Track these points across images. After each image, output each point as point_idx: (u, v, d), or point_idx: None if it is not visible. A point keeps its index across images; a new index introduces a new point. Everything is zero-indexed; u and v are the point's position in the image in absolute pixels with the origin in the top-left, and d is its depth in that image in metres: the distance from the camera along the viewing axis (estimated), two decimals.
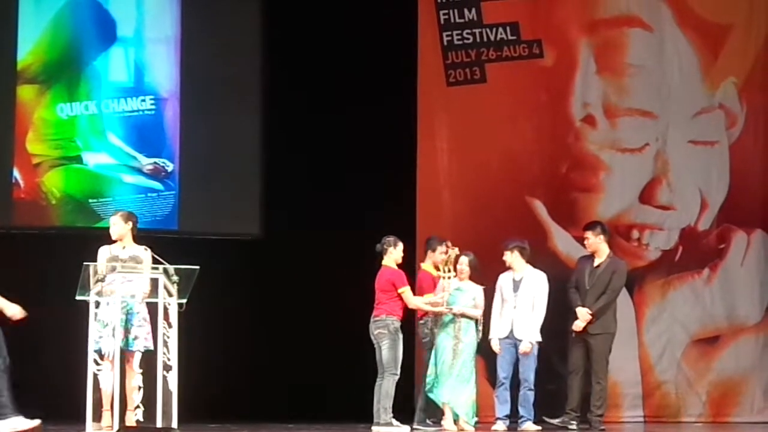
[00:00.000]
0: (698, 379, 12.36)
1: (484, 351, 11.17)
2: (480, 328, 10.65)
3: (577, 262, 11.24)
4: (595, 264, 10.97)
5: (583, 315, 10.80)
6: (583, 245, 11.28)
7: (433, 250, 10.77)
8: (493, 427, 10.68)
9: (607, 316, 10.91)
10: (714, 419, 12.30)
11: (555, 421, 10.81)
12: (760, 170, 12.59)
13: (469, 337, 10.55)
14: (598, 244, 11.00)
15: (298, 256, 11.78)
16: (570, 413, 10.88)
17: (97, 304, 9.11)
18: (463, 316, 10.54)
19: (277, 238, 11.82)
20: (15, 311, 8.55)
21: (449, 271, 10.59)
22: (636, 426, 11.74)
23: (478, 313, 10.58)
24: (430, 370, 10.63)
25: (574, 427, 10.77)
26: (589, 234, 11.05)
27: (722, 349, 12.45)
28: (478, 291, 10.62)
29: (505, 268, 10.87)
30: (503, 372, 10.74)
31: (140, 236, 9.72)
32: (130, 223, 9.50)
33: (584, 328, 10.83)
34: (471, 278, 10.60)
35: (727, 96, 12.58)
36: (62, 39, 11.88)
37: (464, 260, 10.65)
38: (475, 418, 10.60)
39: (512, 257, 10.83)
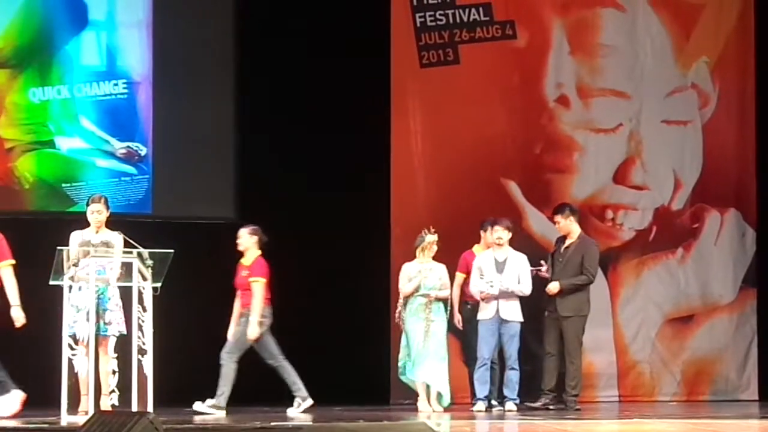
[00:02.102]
0: (672, 358, 12.43)
1: (459, 332, 11.21)
2: (449, 308, 10.73)
3: (555, 243, 11.26)
4: (566, 245, 11.00)
5: (554, 287, 10.80)
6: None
7: (485, 231, 10.89)
8: (474, 408, 10.72)
9: (580, 298, 10.95)
10: (688, 398, 12.38)
11: (537, 404, 10.82)
12: (732, 149, 12.66)
13: (440, 317, 10.64)
14: (569, 226, 11.04)
15: (272, 239, 11.75)
16: (548, 394, 10.91)
17: (71, 289, 9.09)
18: (437, 299, 10.64)
19: (251, 221, 11.77)
20: (19, 316, 8.76)
21: (424, 255, 10.70)
22: (611, 405, 11.79)
23: (447, 293, 10.68)
24: (402, 354, 10.68)
25: (552, 408, 10.80)
26: (558, 218, 11.08)
27: (696, 328, 12.52)
28: (443, 270, 10.73)
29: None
30: (487, 353, 10.78)
31: (114, 221, 9.71)
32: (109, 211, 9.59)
33: (556, 309, 10.84)
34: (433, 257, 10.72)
35: (699, 76, 12.63)
36: (34, 23, 11.80)
37: (433, 239, 10.73)
38: (450, 397, 10.66)
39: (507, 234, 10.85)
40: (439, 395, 10.66)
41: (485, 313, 10.83)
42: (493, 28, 12.36)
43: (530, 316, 11.20)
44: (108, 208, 9.60)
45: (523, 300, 10.91)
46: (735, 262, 12.60)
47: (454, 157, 12.21)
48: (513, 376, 10.80)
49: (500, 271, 10.85)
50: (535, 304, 11.13)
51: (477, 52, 12.35)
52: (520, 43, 12.41)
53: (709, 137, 12.63)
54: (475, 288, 10.85)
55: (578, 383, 10.96)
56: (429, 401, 10.62)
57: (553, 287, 10.83)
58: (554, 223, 11.16)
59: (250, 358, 11.52)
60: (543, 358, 11.04)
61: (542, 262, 11.01)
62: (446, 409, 10.63)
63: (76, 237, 9.47)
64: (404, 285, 10.74)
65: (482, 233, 11.12)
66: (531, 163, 12.38)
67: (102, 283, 9.17)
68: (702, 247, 12.57)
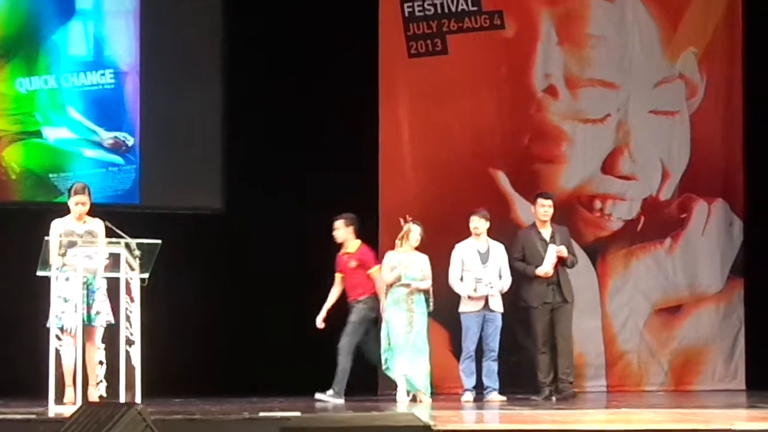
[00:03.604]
0: (660, 348, 12.44)
1: (448, 323, 11.21)
2: (431, 299, 10.73)
3: (519, 236, 11.20)
4: (547, 235, 10.93)
5: (557, 250, 10.76)
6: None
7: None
8: (462, 398, 10.74)
9: (570, 284, 10.97)
10: (676, 388, 12.39)
11: (539, 397, 10.77)
12: (720, 140, 12.67)
13: (421, 308, 10.66)
14: (552, 214, 11.06)
15: (261, 229, 11.75)
16: (550, 385, 10.89)
17: (57, 279, 9.06)
18: (418, 290, 10.64)
19: (239, 211, 11.78)
20: None
21: (402, 245, 10.71)
22: (599, 395, 11.79)
23: (429, 284, 10.68)
24: (383, 344, 10.69)
25: (553, 399, 10.79)
26: (551, 202, 11.06)
27: (684, 318, 12.54)
28: (425, 261, 10.73)
29: (461, 238, 10.92)
30: (471, 345, 10.81)
31: (102, 210, 9.68)
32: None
33: (556, 297, 10.82)
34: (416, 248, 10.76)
35: (687, 66, 12.64)
36: (20, 13, 11.76)
37: (417, 230, 10.73)
38: (430, 389, 10.67)
39: (484, 224, 10.87)
40: (416, 387, 10.63)
41: (471, 305, 10.84)
42: (481, 18, 12.35)
43: (517, 307, 11.21)
44: (90, 197, 9.55)
45: (510, 289, 10.93)
46: (722, 252, 12.62)
47: (442, 147, 12.20)
48: (494, 367, 10.83)
49: (484, 261, 10.86)
50: (521, 294, 11.16)
51: (465, 42, 12.33)
52: (508, 34, 12.40)
53: (697, 127, 12.64)
54: (464, 283, 10.81)
55: (572, 370, 10.99)
56: (408, 393, 10.62)
57: (556, 253, 10.77)
58: (542, 206, 10.98)
59: (243, 348, 11.52)
60: (534, 350, 11.00)
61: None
62: (432, 400, 10.63)
63: (57, 226, 9.41)
64: (386, 274, 10.73)
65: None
66: (519, 154, 12.37)
67: (89, 273, 9.14)
68: (690, 237, 12.59)
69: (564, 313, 10.93)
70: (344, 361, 10.66)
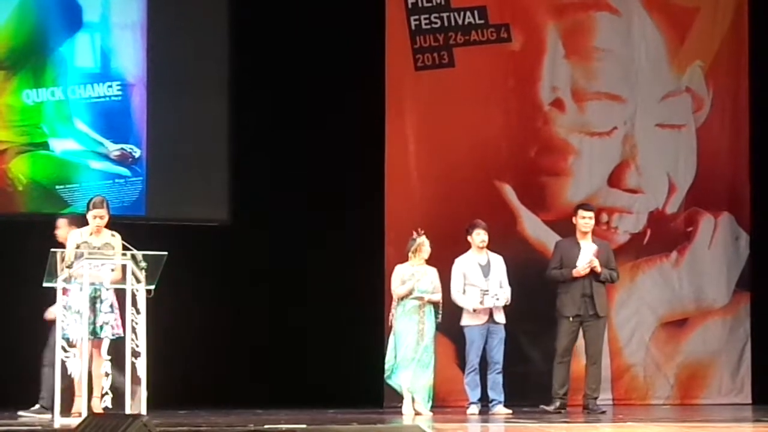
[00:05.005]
0: (666, 361, 12.43)
1: (455, 336, 11.20)
2: (440, 312, 10.73)
3: (558, 246, 11.19)
4: (588, 247, 10.90)
5: (590, 260, 10.74)
6: (551, 228, 11.34)
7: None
8: (468, 411, 10.73)
9: (604, 299, 10.95)
10: (682, 401, 12.38)
11: (550, 408, 10.76)
12: (726, 153, 12.66)
13: (431, 320, 10.67)
14: (593, 225, 11.06)
15: (266, 241, 11.75)
16: (563, 398, 10.88)
17: (64, 291, 9.07)
18: (430, 302, 10.65)
19: (244, 223, 11.78)
20: None
21: (416, 258, 10.71)
22: (604, 409, 11.76)
23: (439, 297, 10.69)
24: (389, 356, 10.68)
25: (564, 411, 10.77)
26: (591, 214, 11.04)
27: (690, 332, 12.52)
28: (434, 274, 10.74)
29: (467, 250, 10.91)
30: (476, 357, 10.81)
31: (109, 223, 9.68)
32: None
33: (590, 311, 10.80)
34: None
35: (693, 79, 12.64)
36: (28, 25, 11.78)
37: (427, 242, 10.74)
38: (430, 402, 10.66)
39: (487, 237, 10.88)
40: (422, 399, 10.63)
41: (476, 318, 10.83)
42: (488, 31, 12.36)
43: (523, 317, 11.20)
44: (109, 211, 9.57)
45: (517, 300, 10.94)
46: (729, 266, 12.61)
47: (448, 160, 12.20)
48: (499, 379, 10.81)
49: (486, 274, 10.86)
50: (528, 305, 11.15)
51: (472, 55, 12.34)
52: (515, 47, 12.41)
53: (703, 141, 12.64)
54: (467, 296, 10.80)
55: (598, 386, 10.99)
56: (413, 405, 10.61)
57: (590, 258, 10.76)
58: (582, 218, 10.94)
59: (249, 360, 11.53)
60: (550, 361, 10.99)
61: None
62: (434, 412, 10.63)
63: (75, 236, 9.44)
64: (397, 287, 10.73)
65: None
66: (526, 167, 12.37)
67: (96, 282, 9.13)
68: (696, 250, 12.58)
69: (595, 328, 10.90)
70: None
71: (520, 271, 11.29)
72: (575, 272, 10.78)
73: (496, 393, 10.83)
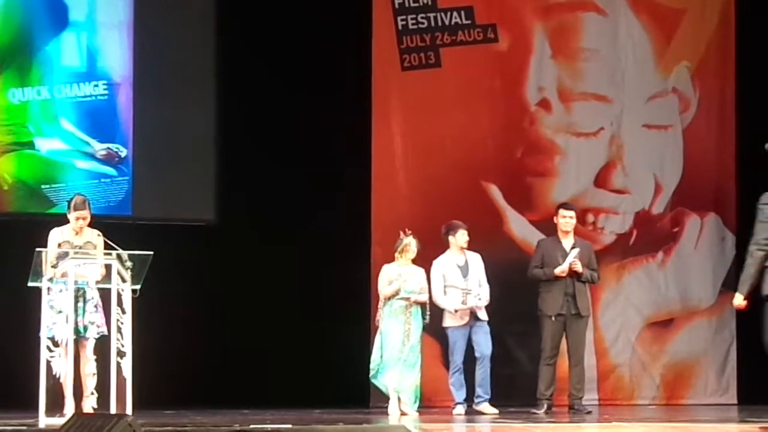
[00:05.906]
0: (652, 361, 12.44)
1: (441, 337, 11.20)
2: (428, 312, 10.73)
3: (540, 245, 11.20)
4: (568, 246, 10.91)
5: (572, 262, 10.76)
6: (537, 228, 11.34)
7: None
8: (454, 411, 10.73)
9: (586, 298, 10.96)
10: (668, 401, 12.39)
11: (540, 411, 10.75)
12: (712, 154, 12.69)
13: (418, 321, 10.66)
14: (574, 225, 11.07)
15: (253, 241, 11.75)
16: (550, 399, 10.88)
17: (49, 291, 9.05)
18: (416, 303, 10.64)
19: (231, 223, 11.78)
20: None
21: (403, 258, 10.71)
22: (590, 409, 11.77)
23: (426, 297, 10.69)
24: (375, 356, 10.67)
25: (543, 412, 10.77)
26: (572, 213, 11.05)
27: (676, 332, 12.54)
28: (422, 274, 10.74)
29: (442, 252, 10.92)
30: (459, 358, 10.81)
31: (94, 222, 9.65)
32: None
33: (572, 310, 10.80)
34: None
35: (680, 80, 12.66)
36: (13, 24, 11.75)
37: (414, 242, 10.73)
38: (417, 403, 10.66)
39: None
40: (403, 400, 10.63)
41: (458, 319, 10.83)
42: (474, 31, 12.37)
43: (511, 318, 11.20)
44: (91, 210, 9.52)
45: (504, 300, 10.94)
46: (714, 267, 12.63)
47: (435, 161, 12.20)
48: (488, 374, 10.81)
49: (465, 274, 10.86)
50: (515, 306, 11.15)
51: (459, 56, 12.35)
52: (501, 47, 12.42)
53: (690, 142, 12.66)
54: (448, 297, 10.79)
55: (582, 385, 11.00)
56: (400, 405, 10.61)
57: (573, 257, 10.77)
58: (563, 217, 10.94)
59: (234, 360, 11.52)
60: (536, 362, 10.99)
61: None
62: (420, 413, 10.63)
63: (56, 235, 9.39)
64: (384, 287, 10.73)
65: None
66: (512, 167, 12.38)
67: (82, 281, 9.10)
68: (682, 251, 12.60)
69: (577, 326, 10.92)
70: None
71: (506, 272, 11.30)
72: (557, 271, 10.80)
73: (484, 389, 10.83)
